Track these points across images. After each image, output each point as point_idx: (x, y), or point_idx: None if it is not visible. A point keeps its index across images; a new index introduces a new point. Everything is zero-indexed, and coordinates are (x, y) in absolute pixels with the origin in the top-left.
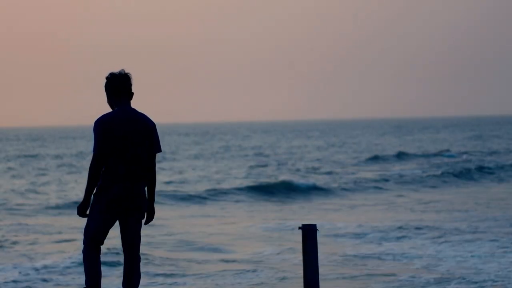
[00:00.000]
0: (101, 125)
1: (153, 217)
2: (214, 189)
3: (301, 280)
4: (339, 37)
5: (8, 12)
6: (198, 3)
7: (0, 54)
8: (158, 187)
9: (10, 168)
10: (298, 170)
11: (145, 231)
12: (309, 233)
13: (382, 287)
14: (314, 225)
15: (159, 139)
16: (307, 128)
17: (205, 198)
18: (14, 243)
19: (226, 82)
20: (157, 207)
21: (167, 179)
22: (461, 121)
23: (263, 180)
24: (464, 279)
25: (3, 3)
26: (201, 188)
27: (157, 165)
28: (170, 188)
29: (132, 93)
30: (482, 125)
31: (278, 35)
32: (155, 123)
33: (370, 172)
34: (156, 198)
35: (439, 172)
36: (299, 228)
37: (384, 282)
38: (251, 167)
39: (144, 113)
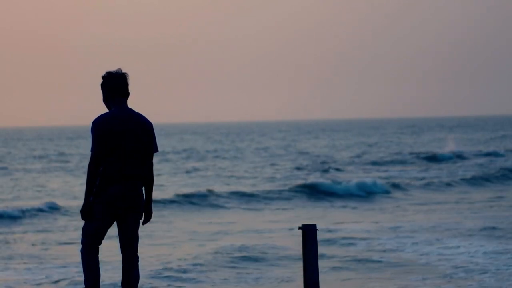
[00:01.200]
0: (99, 125)
1: (150, 217)
2: (284, 190)
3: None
4: (340, 36)
5: (8, 12)
6: (198, 3)
7: (1, 54)
8: (224, 188)
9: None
10: (353, 170)
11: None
12: (309, 233)
13: (380, 285)
14: (314, 225)
15: (156, 139)
16: (316, 128)
17: (286, 198)
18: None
19: (226, 82)
20: (230, 208)
21: (226, 180)
22: (462, 121)
23: (328, 181)
24: (466, 279)
25: (3, 3)
26: (273, 188)
27: (198, 164)
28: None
29: (129, 93)
30: (490, 125)
31: (277, 35)
32: (152, 123)
33: (433, 171)
34: (222, 200)
35: (496, 172)
36: (299, 228)
37: (381, 282)
38: (301, 168)
39: (141, 113)
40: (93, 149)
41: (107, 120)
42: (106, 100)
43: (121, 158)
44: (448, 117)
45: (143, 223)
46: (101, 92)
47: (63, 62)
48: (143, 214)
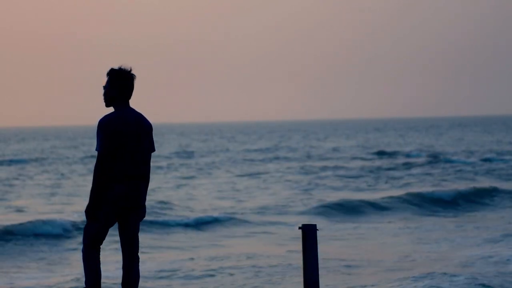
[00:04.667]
0: (106, 125)
1: (144, 216)
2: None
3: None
4: (339, 36)
5: (9, 11)
6: (198, 3)
7: (1, 54)
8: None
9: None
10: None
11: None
12: (309, 233)
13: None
14: (314, 225)
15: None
16: (332, 127)
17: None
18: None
19: (226, 82)
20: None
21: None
22: (463, 121)
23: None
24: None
25: (4, 2)
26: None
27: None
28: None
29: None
30: (499, 124)
31: (277, 34)
32: (152, 123)
33: None
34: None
35: None
36: (299, 228)
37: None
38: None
39: (142, 113)
40: (100, 150)
41: (113, 120)
42: (111, 93)
43: (124, 158)
44: (448, 117)
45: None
46: (105, 80)
47: (64, 62)
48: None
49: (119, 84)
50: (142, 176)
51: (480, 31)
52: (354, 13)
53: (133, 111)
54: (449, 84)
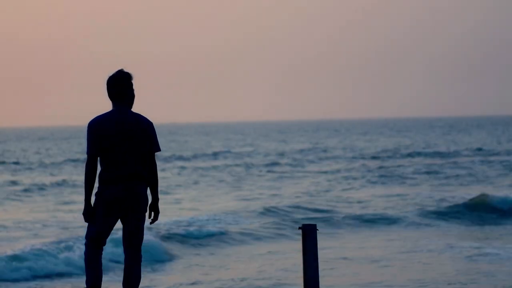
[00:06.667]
0: (94, 127)
1: (157, 217)
2: None
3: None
4: (338, 36)
5: (11, 14)
6: (198, 5)
7: (4, 54)
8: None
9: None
10: None
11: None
12: (309, 233)
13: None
14: (314, 225)
15: (158, 138)
16: (345, 127)
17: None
18: None
19: (227, 82)
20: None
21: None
22: (463, 120)
23: None
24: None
25: (6, 4)
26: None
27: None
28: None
29: (132, 94)
30: (504, 124)
31: (276, 34)
32: (154, 123)
33: None
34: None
35: None
36: (299, 228)
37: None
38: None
39: (140, 114)
40: (88, 151)
41: (102, 121)
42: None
43: (119, 159)
44: (449, 117)
45: (151, 223)
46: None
47: (65, 61)
48: (152, 213)
49: (108, 88)
50: (142, 177)
51: (480, 31)
52: (353, 12)
53: (128, 111)
54: (449, 84)
